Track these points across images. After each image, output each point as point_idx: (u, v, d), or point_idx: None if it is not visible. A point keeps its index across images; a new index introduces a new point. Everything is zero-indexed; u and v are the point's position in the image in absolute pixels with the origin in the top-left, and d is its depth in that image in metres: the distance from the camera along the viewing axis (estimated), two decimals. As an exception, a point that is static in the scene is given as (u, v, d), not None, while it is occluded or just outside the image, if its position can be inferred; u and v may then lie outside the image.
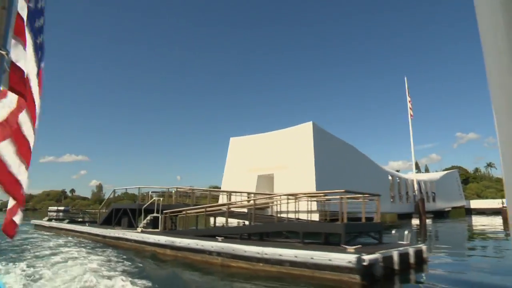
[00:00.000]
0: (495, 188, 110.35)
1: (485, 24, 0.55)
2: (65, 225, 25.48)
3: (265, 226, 14.04)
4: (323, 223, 13.52)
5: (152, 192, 22.82)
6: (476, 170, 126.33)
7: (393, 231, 13.07)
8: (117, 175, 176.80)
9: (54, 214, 35.72)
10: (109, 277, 9.14)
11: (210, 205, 16.84)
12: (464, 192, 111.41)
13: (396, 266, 9.65)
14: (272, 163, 27.33)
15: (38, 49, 2.06)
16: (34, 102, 2.09)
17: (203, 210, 16.21)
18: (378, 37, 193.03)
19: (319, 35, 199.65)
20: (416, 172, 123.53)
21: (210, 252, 12.20)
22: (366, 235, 12.84)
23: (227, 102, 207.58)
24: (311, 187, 24.22)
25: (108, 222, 22.71)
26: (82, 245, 17.49)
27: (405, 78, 44.51)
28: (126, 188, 31.07)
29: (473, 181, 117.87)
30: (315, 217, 19.64)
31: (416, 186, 42.48)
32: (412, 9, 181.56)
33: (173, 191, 22.13)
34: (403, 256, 10.12)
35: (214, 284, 9.92)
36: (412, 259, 10.49)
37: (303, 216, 16.67)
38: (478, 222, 39.56)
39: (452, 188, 54.70)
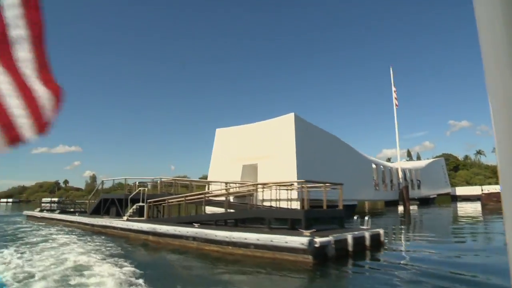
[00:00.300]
0: (483, 175, 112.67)
1: (483, 19, 0.58)
2: (56, 216, 26.46)
3: (237, 213, 15.14)
4: (287, 209, 14.65)
5: (139, 182, 23.78)
6: (466, 157, 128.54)
7: (355, 217, 14.14)
8: (111, 165, 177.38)
9: (48, 205, 36.13)
10: (97, 261, 10.18)
11: (189, 194, 17.87)
12: (454, 179, 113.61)
13: (350, 248, 10.76)
14: (256, 153, 28.33)
15: None
16: None
17: (183, 199, 17.25)
18: (366, 24, 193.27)
19: (308, 26, 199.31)
20: (408, 160, 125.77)
21: (186, 237, 13.28)
22: (330, 221, 13.90)
23: (220, 92, 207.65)
24: (293, 176, 25.28)
25: (97, 211, 23.70)
26: (72, 233, 18.52)
27: (391, 68, 45.48)
28: (113, 179, 32.07)
29: (463, 168, 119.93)
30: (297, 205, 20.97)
31: (400, 174, 43.72)
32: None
33: (158, 182, 23.13)
34: (359, 239, 11.24)
35: (188, 264, 10.96)
36: (368, 242, 11.61)
37: (285, 204, 17.85)
38: (462, 208, 41.21)
39: (437, 175, 56.13)
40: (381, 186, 40.01)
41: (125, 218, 19.07)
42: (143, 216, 19.55)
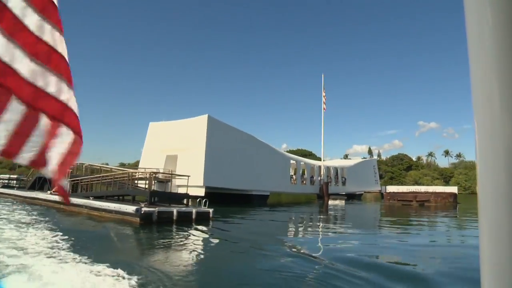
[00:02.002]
0: (431, 176, 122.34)
1: (472, 22, 0.60)
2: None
3: (118, 191, 21.31)
4: (143, 190, 20.55)
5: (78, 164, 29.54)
6: (419, 158, 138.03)
7: (198, 200, 20.22)
8: (86, 145, 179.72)
9: (6, 182, 40.06)
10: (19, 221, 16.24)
11: (94, 176, 23.97)
12: (404, 178, 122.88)
13: (174, 218, 17.07)
14: (177, 146, 34.44)
15: None
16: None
17: (90, 179, 23.35)
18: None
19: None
20: (370, 157, 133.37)
21: (81, 206, 19.42)
22: (177, 201, 20.21)
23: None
24: (201, 168, 31.67)
25: (33, 187, 29.49)
26: (7, 203, 24.32)
27: (322, 76, 52.26)
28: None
29: (415, 169, 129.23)
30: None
31: (323, 171, 50.69)
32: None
33: (84, 165, 28.98)
34: (185, 213, 17.57)
35: (77, 221, 17.07)
36: (194, 216, 17.92)
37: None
38: (395, 204, 48.29)
39: (366, 174, 63.41)
40: (299, 181, 46.78)
41: (48, 192, 25.00)
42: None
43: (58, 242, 10.84)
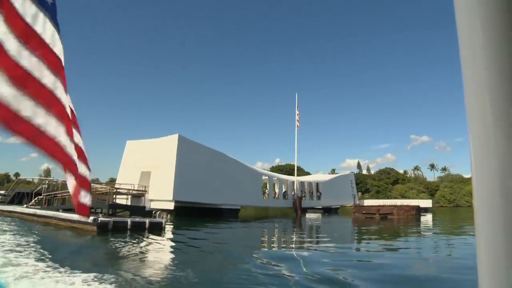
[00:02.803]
0: (417, 189, 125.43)
1: (462, 25, 0.61)
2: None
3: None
4: (101, 202, 23.33)
5: (48, 181, 32.49)
6: (405, 172, 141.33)
7: (156, 213, 23.16)
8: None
9: None
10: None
11: (59, 192, 26.81)
12: (390, 192, 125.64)
13: (129, 227, 19.87)
14: (150, 163, 37.37)
15: None
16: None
17: (61, 194, 26.19)
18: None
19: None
20: (358, 172, 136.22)
21: (50, 217, 22.20)
22: (136, 212, 23.07)
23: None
24: (171, 183, 34.56)
25: (12, 202, 32.26)
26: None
27: (296, 95, 55.59)
28: (30, 178, 40.47)
29: (402, 183, 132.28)
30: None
31: (296, 186, 53.54)
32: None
33: (58, 181, 31.85)
34: (138, 223, 20.38)
35: (38, 229, 19.84)
36: (147, 226, 20.71)
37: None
38: (359, 217, 51.05)
39: (343, 188, 66.23)
40: (271, 195, 49.64)
41: (24, 206, 27.77)
42: (42, 205, 28.26)
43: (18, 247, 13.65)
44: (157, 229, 21.14)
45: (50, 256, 11.29)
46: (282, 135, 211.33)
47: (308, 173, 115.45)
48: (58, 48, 1.92)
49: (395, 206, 46.60)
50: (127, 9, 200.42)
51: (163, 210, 38.03)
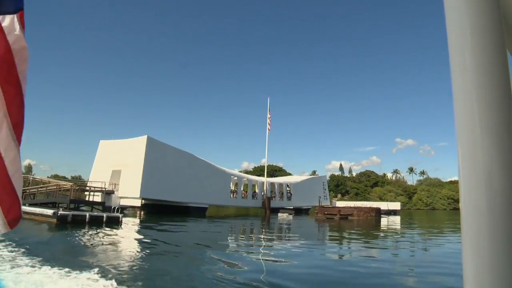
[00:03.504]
0: (395, 192, 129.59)
1: (452, 28, 0.63)
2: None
3: (53, 199, 26.74)
4: (64, 197, 25.96)
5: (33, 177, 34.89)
6: (384, 175, 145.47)
7: (113, 209, 25.82)
8: (54, 154, 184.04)
9: None
10: None
11: (32, 187, 29.39)
12: (369, 194, 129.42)
13: (87, 220, 22.58)
14: (121, 162, 40.04)
15: None
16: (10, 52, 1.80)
17: (34, 189, 28.78)
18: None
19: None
20: (340, 174, 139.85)
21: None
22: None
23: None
24: (139, 183, 37.32)
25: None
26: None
27: (268, 99, 58.57)
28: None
29: (381, 185, 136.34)
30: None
31: (266, 186, 56.53)
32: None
33: (29, 178, 34.30)
34: (96, 217, 23.09)
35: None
36: (104, 219, 23.42)
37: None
38: (321, 218, 54.03)
39: (314, 190, 69.24)
40: (240, 195, 52.55)
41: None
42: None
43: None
44: (115, 223, 23.87)
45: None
46: (269, 136, 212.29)
47: (289, 174, 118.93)
48: (19, 48, 1.84)
49: (355, 207, 49.76)
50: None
51: (132, 207, 41.09)
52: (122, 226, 23.86)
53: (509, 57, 0.68)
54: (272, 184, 59.14)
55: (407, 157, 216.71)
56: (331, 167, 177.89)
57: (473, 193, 0.60)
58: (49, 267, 9.73)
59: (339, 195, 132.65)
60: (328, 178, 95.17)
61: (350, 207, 50.63)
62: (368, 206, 53.81)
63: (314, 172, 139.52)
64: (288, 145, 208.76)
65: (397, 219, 50.23)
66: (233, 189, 52.59)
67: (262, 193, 55.98)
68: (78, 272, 9.20)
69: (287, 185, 63.12)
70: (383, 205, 69.33)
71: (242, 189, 53.77)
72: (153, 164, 38.71)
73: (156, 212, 40.00)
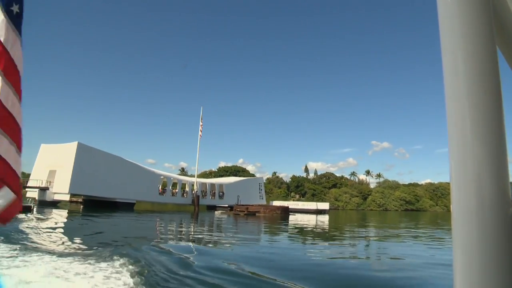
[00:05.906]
0: (350, 194, 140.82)
1: (445, 35, 0.66)
2: None
3: None
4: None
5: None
6: (342, 177, 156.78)
7: (28, 201, 35.82)
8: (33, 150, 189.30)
9: None
10: None
11: None
12: (326, 196, 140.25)
13: None
14: (57, 163, 50.01)
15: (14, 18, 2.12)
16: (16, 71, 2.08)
17: None
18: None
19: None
20: (306, 175, 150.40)
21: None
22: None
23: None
24: (68, 180, 47.48)
25: None
26: None
27: (201, 108, 68.70)
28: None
29: (339, 187, 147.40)
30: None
31: (195, 186, 66.70)
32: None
33: None
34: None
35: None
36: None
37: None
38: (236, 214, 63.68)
39: (250, 190, 79.32)
40: (168, 193, 62.80)
41: None
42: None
43: None
44: (26, 211, 33.87)
45: None
46: (246, 138, 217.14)
47: (253, 175, 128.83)
48: (17, 57, 2.02)
49: (262, 205, 60.34)
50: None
51: (71, 202, 51.49)
52: (32, 213, 33.73)
53: (500, 56, 0.74)
54: (203, 184, 69.47)
55: (382, 160, 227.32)
56: (310, 168, 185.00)
57: (464, 195, 0.64)
58: None
59: (297, 195, 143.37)
60: (264, 181, 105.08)
61: (258, 205, 61.11)
62: (278, 205, 64.40)
63: (274, 174, 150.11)
64: (266, 146, 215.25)
65: (324, 218, 57.69)
66: (168, 188, 62.83)
67: (193, 192, 66.20)
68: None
69: (220, 186, 73.42)
70: (312, 205, 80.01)
71: (171, 188, 64.02)
72: (82, 165, 48.72)
73: (93, 207, 49.32)
